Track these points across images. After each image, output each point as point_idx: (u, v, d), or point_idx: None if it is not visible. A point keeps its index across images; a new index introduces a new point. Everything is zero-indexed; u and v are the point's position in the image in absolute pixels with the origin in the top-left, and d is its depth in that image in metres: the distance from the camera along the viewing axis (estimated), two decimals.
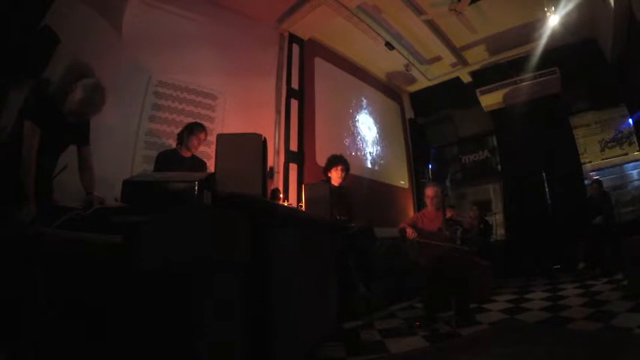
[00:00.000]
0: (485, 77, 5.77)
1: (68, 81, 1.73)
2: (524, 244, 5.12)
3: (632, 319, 2.34)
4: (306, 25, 4.47)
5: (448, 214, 3.17)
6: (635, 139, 5.33)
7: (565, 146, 5.39)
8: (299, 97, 4.51)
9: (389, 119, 6.34)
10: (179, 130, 2.81)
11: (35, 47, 2.33)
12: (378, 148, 5.84)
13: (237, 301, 1.30)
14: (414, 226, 3.14)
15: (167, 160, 2.63)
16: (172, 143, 2.94)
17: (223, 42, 3.88)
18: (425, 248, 3.08)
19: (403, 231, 3.13)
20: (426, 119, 6.98)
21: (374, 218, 3.71)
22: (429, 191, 3.32)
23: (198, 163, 2.79)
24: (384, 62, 5.70)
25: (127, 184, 1.24)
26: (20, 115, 1.64)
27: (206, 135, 2.78)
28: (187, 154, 2.72)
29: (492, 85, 5.55)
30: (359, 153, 5.36)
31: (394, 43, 5.14)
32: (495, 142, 6.42)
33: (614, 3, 3.65)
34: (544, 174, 5.49)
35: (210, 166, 2.95)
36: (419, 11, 4.58)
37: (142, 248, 0.97)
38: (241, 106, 3.87)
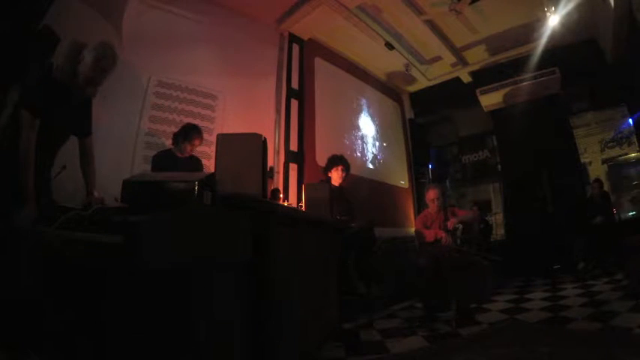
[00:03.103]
0: (485, 77, 5.76)
1: (73, 55, 1.67)
2: (524, 244, 5.11)
3: (632, 319, 2.33)
4: (306, 25, 4.47)
5: (451, 224, 3.15)
6: (635, 139, 5.33)
7: (565, 146, 5.38)
8: (299, 97, 4.51)
9: (389, 119, 6.34)
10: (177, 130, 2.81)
11: (35, 47, 2.33)
12: (378, 148, 5.84)
13: (237, 301, 1.30)
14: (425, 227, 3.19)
15: (162, 160, 2.65)
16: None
17: (223, 42, 3.88)
18: (425, 248, 3.09)
19: (420, 233, 3.16)
20: (426, 119, 6.97)
21: (374, 218, 3.71)
22: (432, 193, 3.30)
23: (194, 163, 2.80)
24: (384, 62, 5.69)
25: (126, 184, 1.24)
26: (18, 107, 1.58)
27: (201, 141, 2.78)
28: (182, 155, 2.73)
29: (492, 85, 5.54)
30: (359, 153, 5.36)
31: (394, 43, 5.14)
32: (495, 142, 6.41)
33: (614, 3, 3.65)
34: (544, 174, 5.48)
35: (210, 166, 2.95)
36: (419, 11, 4.57)
37: (142, 248, 0.97)
38: (241, 106, 3.87)
